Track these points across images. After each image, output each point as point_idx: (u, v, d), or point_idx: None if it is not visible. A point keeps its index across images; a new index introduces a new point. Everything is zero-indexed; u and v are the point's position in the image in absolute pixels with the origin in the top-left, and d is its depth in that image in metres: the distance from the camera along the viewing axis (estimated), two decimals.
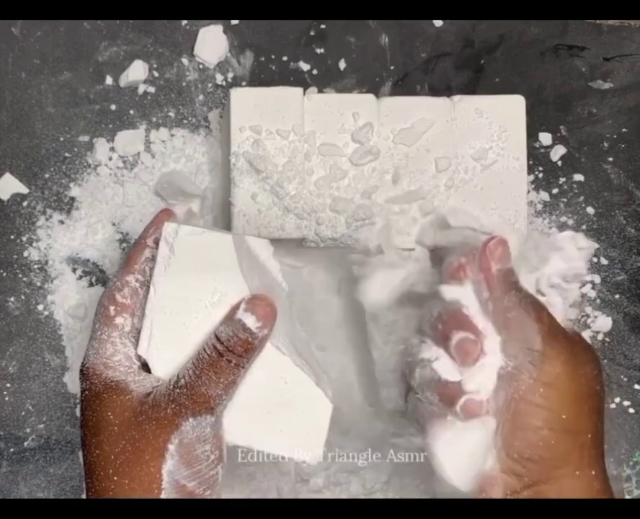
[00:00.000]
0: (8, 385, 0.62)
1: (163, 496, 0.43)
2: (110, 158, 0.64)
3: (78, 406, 0.62)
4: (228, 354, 0.44)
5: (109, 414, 0.45)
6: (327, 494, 0.61)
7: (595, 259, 0.65)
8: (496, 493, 0.46)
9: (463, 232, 0.56)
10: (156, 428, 0.43)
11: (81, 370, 0.47)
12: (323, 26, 0.65)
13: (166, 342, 0.46)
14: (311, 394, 0.46)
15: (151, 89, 0.64)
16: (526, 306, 0.47)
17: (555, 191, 0.65)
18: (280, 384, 0.46)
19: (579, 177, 0.65)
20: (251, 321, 0.44)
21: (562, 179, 0.65)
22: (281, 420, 0.46)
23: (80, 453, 0.62)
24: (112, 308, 0.48)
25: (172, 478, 0.43)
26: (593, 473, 0.46)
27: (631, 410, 0.64)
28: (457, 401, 0.47)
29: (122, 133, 0.64)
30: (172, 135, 0.64)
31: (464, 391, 0.47)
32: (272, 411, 0.46)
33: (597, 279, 0.65)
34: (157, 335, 0.46)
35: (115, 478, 0.44)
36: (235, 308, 0.45)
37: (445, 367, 0.48)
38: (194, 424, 0.44)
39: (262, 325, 0.44)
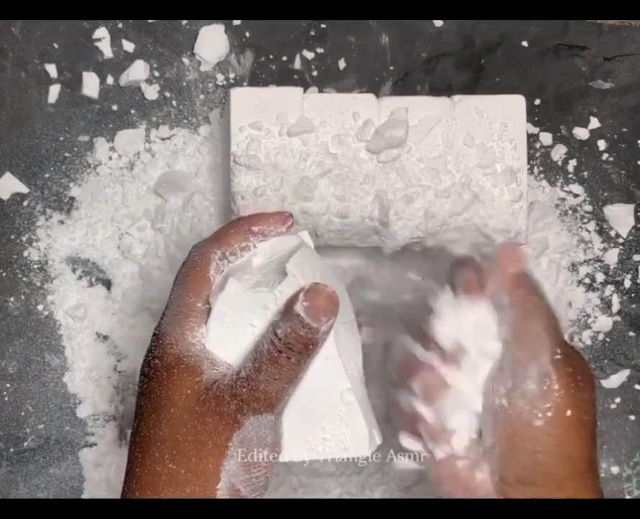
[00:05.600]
0: (8, 385, 0.62)
1: (218, 496, 0.41)
2: (110, 158, 0.64)
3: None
4: (286, 351, 0.41)
5: (175, 394, 0.42)
6: (326, 494, 0.61)
7: (596, 259, 0.65)
8: None
9: (470, 233, 0.56)
10: (219, 424, 0.41)
11: (156, 335, 0.44)
12: (323, 26, 0.65)
13: (233, 338, 0.44)
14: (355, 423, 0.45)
15: (151, 89, 0.64)
16: (542, 317, 0.46)
17: (555, 191, 0.65)
18: (330, 391, 0.45)
19: (579, 177, 0.65)
20: (310, 316, 0.41)
21: (562, 179, 0.65)
22: (323, 423, 0.45)
23: (80, 453, 0.62)
24: (198, 277, 0.45)
25: (229, 480, 0.42)
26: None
27: (631, 410, 0.64)
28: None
29: (122, 132, 0.64)
30: (172, 135, 0.64)
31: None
32: (313, 415, 0.45)
33: (598, 278, 0.65)
34: (225, 330, 0.44)
35: (171, 465, 0.41)
36: (293, 299, 0.42)
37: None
38: (255, 423, 0.41)
39: (323, 319, 0.41)
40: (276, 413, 0.42)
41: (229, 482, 0.42)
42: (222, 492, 0.41)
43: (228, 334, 0.44)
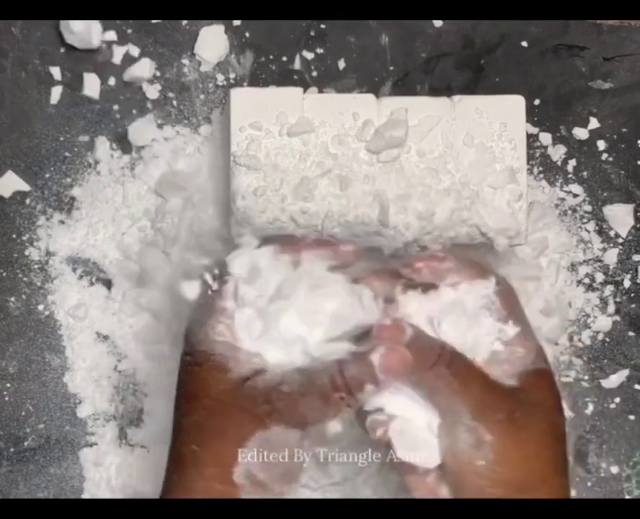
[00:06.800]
0: (8, 385, 0.62)
1: (235, 480, 0.43)
2: (111, 157, 0.64)
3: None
4: (343, 390, 0.42)
5: (205, 387, 0.44)
6: (325, 494, 0.61)
7: (596, 259, 0.65)
8: None
9: (469, 233, 0.56)
10: (245, 419, 0.43)
11: (185, 334, 0.46)
12: (323, 26, 0.65)
13: (278, 337, 0.45)
14: None
15: (152, 89, 0.64)
16: (450, 383, 0.43)
17: (555, 191, 0.65)
18: None
19: (578, 177, 0.65)
20: (381, 369, 0.41)
21: (562, 179, 0.65)
22: None
23: (80, 453, 0.62)
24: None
25: (246, 467, 0.43)
26: None
27: (631, 410, 0.64)
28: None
29: (134, 124, 0.63)
30: (173, 135, 0.64)
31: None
32: None
33: (598, 278, 0.65)
34: (270, 327, 0.45)
35: (194, 447, 0.44)
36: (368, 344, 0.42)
37: None
38: (282, 433, 0.43)
39: (391, 376, 0.42)
40: (306, 431, 0.43)
41: (246, 470, 0.43)
42: (238, 476, 0.43)
43: (273, 333, 0.45)
